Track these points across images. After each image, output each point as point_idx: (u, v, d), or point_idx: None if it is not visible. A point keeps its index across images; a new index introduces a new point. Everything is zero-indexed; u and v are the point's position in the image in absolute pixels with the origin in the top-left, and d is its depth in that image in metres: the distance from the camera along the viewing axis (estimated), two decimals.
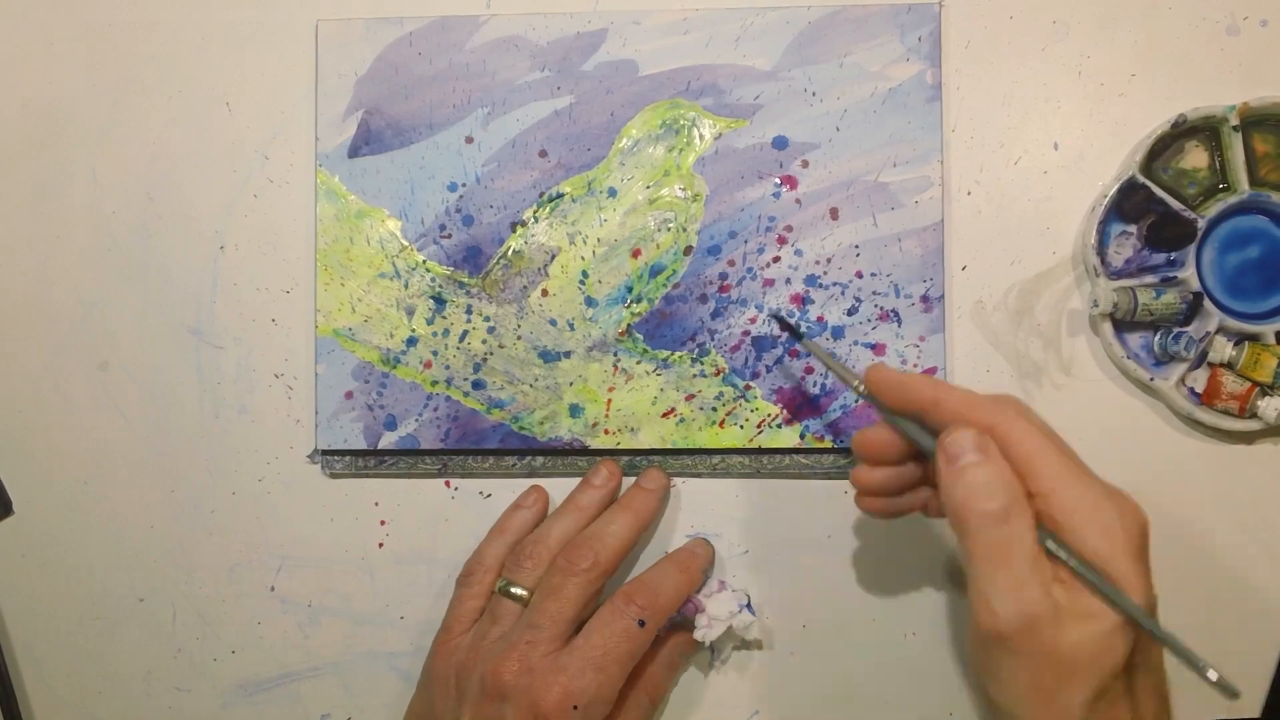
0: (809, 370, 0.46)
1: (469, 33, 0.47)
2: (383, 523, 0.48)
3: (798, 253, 0.46)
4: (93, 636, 0.49)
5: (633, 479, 0.47)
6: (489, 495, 0.48)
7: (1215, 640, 0.46)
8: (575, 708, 0.40)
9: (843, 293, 0.46)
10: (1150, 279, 0.46)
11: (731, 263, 0.46)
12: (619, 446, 0.47)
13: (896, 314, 0.46)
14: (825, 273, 0.46)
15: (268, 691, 0.49)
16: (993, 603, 0.34)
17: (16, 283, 0.49)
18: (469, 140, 0.47)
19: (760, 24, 0.46)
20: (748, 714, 0.48)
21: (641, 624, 0.42)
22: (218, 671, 0.49)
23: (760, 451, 0.47)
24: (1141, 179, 0.45)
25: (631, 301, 0.47)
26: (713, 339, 0.46)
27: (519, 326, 0.47)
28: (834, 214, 0.46)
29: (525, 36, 0.47)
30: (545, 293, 0.47)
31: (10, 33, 0.49)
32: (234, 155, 0.48)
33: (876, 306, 0.46)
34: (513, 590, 0.44)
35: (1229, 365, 0.45)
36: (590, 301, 0.47)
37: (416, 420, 0.47)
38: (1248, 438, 0.46)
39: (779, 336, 0.46)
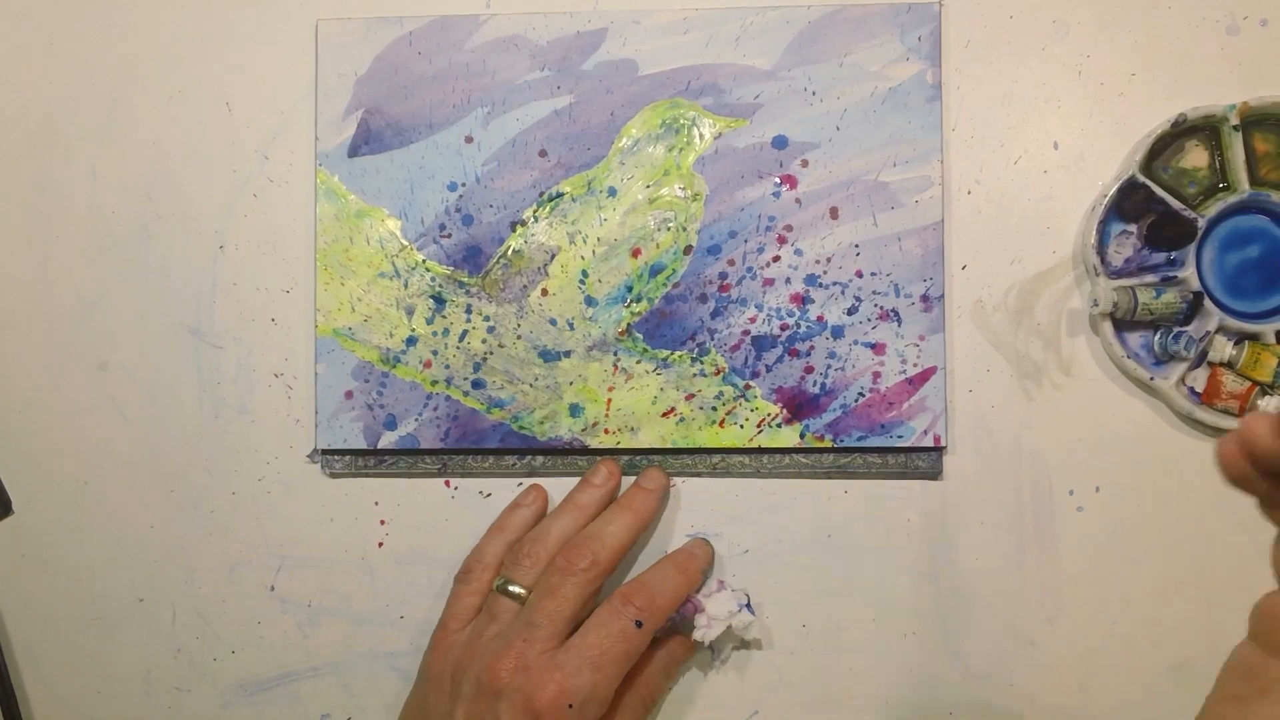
0: (809, 370, 0.46)
1: (469, 32, 0.47)
2: (383, 522, 0.48)
3: (798, 252, 0.46)
4: (93, 636, 0.49)
5: (632, 478, 0.47)
6: (489, 495, 0.48)
7: (1215, 640, 0.46)
8: (570, 706, 0.40)
9: (843, 292, 0.46)
10: (1150, 278, 0.46)
11: (731, 262, 0.46)
12: (619, 446, 0.47)
13: (896, 313, 0.46)
14: (825, 272, 0.46)
15: (268, 691, 0.49)
16: None
17: (16, 282, 0.49)
18: (469, 140, 0.47)
19: (760, 23, 0.46)
20: (748, 714, 0.48)
21: (639, 624, 0.42)
22: (218, 671, 0.49)
23: (760, 451, 0.47)
24: (1141, 178, 0.45)
25: (631, 301, 0.47)
26: (713, 338, 0.46)
27: (519, 326, 0.47)
28: (834, 213, 0.46)
29: (525, 36, 0.47)
30: (545, 292, 0.47)
31: (10, 33, 0.49)
32: (234, 155, 0.48)
33: (876, 306, 0.46)
34: (511, 588, 0.44)
35: (1229, 365, 0.45)
36: (590, 301, 0.47)
37: (416, 420, 0.47)
38: None
39: (778, 336, 0.46)
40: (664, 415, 0.47)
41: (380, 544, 0.48)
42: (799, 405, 0.46)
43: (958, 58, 0.47)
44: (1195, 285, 0.45)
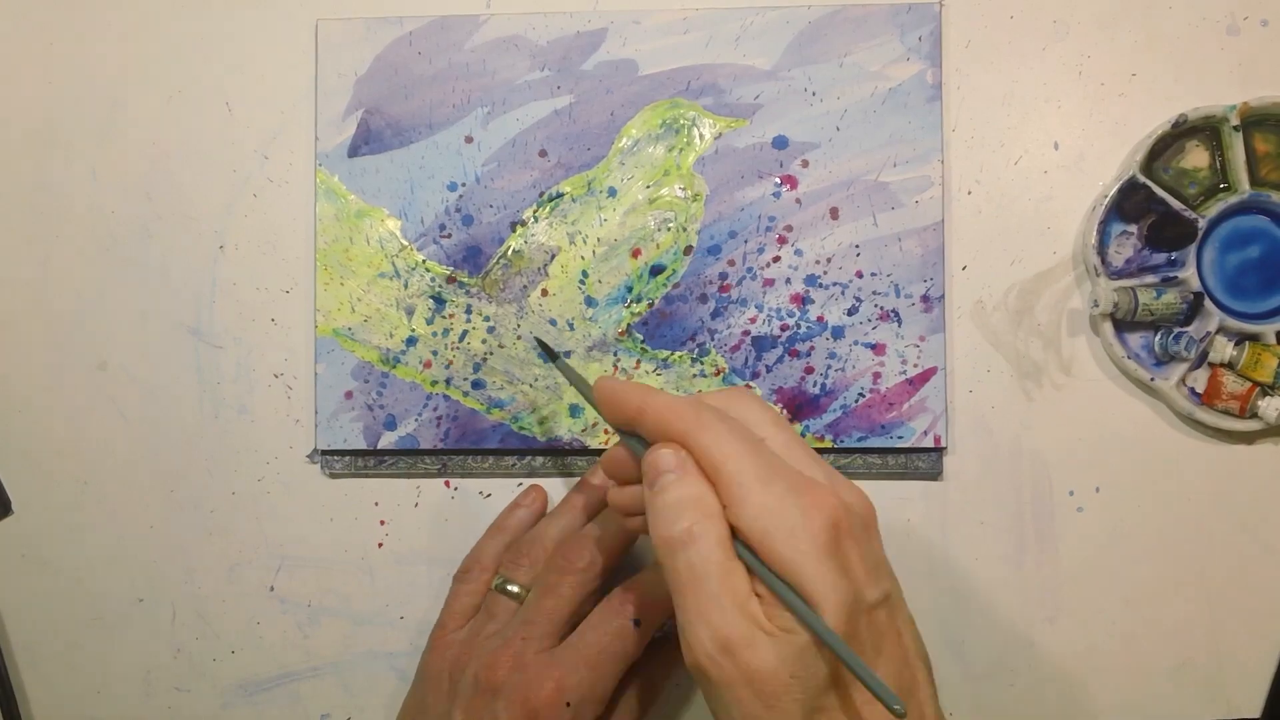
0: (809, 370, 0.46)
1: (469, 32, 0.47)
2: (383, 523, 0.48)
3: (798, 252, 0.46)
4: (93, 636, 0.49)
5: None
6: (489, 495, 0.48)
7: (1215, 640, 0.46)
8: (568, 704, 0.40)
9: (843, 292, 0.46)
10: (1151, 279, 0.46)
11: (731, 262, 0.46)
12: None
13: (897, 314, 0.46)
14: (825, 272, 0.46)
15: (267, 691, 0.49)
16: (685, 633, 0.32)
17: (16, 282, 0.49)
18: (469, 140, 0.47)
19: (760, 23, 0.46)
20: None
21: (637, 623, 0.42)
22: (217, 671, 0.49)
23: None
24: (1142, 179, 0.45)
25: (631, 301, 0.47)
26: (713, 339, 0.46)
27: (519, 326, 0.47)
28: (834, 214, 0.46)
29: (525, 36, 0.47)
30: (545, 292, 0.47)
31: (10, 33, 0.49)
32: (234, 155, 0.48)
33: (877, 306, 0.46)
34: (509, 588, 0.44)
35: (1229, 365, 0.45)
36: (590, 301, 0.47)
37: (416, 420, 0.47)
38: (1248, 438, 0.46)
39: (778, 336, 0.46)
40: None
41: (380, 544, 0.48)
42: (799, 406, 0.46)
43: (958, 58, 0.47)
44: (1196, 286, 0.45)
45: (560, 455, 0.47)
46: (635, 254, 0.47)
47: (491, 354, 0.47)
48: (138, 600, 0.49)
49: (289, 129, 0.48)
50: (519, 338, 0.47)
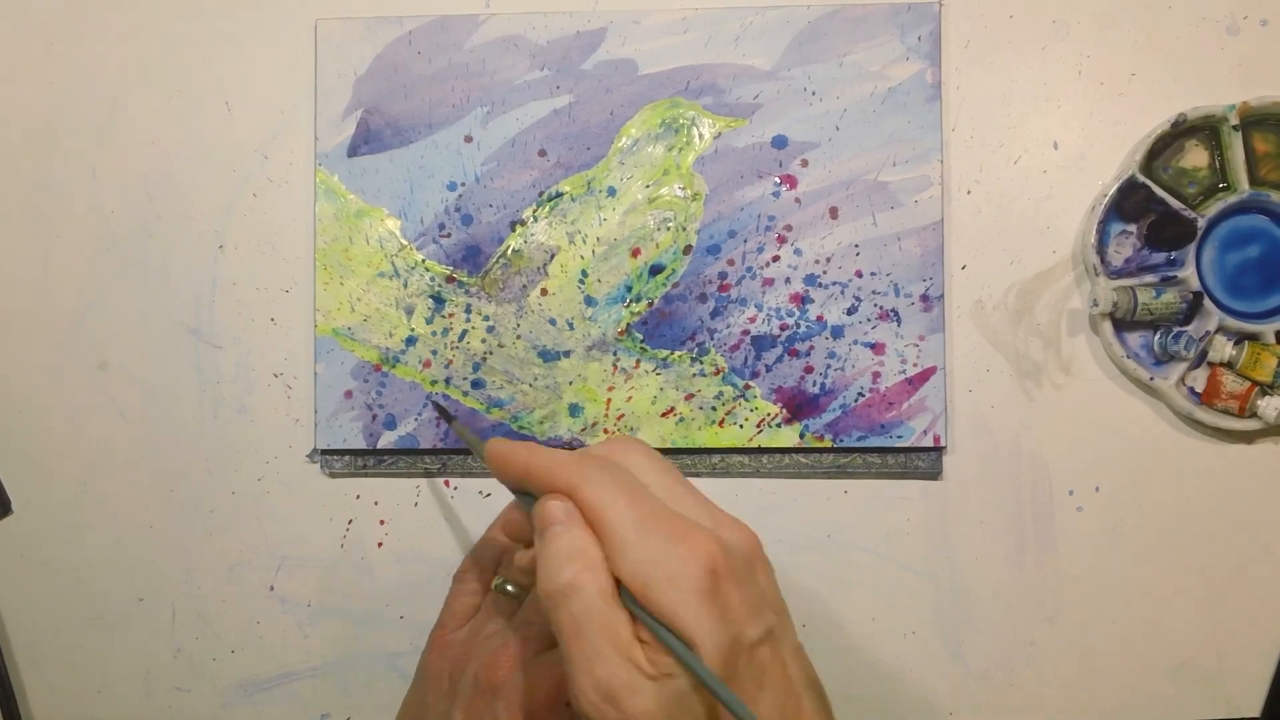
0: (809, 369, 0.46)
1: (468, 32, 0.47)
2: (382, 522, 0.48)
3: (797, 252, 0.46)
4: (93, 636, 0.49)
5: None
6: (489, 495, 0.48)
7: (1215, 640, 0.46)
8: (567, 704, 0.40)
9: (842, 292, 0.46)
10: (1150, 278, 0.46)
11: (731, 262, 0.46)
12: None
13: (896, 313, 0.46)
14: (825, 272, 0.46)
15: (267, 691, 0.49)
16: (572, 684, 0.32)
17: (16, 282, 0.49)
18: (468, 139, 0.47)
19: (760, 23, 0.46)
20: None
21: None
22: (217, 671, 0.49)
23: (760, 451, 0.47)
24: (1141, 178, 0.45)
25: (631, 301, 0.47)
26: (712, 338, 0.46)
27: (518, 326, 0.47)
28: (833, 213, 0.46)
29: (525, 36, 0.47)
30: (545, 292, 0.47)
31: (10, 33, 0.49)
32: (234, 155, 0.48)
33: (876, 306, 0.46)
34: (509, 588, 0.44)
35: (1229, 365, 0.45)
36: (590, 301, 0.47)
37: (416, 420, 0.47)
38: (1248, 437, 0.46)
39: (778, 336, 0.46)
40: (663, 415, 0.47)
41: (380, 544, 0.48)
42: (799, 405, 0.46)
43: (958, 58, 0.47)
44: (1195, 285, 0.45)
45: None
46: (635, 253, 0.47)
47: (491, 353, 0.47)
48: (138, 600, 0.49)
49: (289, 129, 0.48)
50: (518, 337, 0.47)
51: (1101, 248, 0.45)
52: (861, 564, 0.47)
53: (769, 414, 0.46)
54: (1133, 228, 0.46)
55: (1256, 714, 0.46)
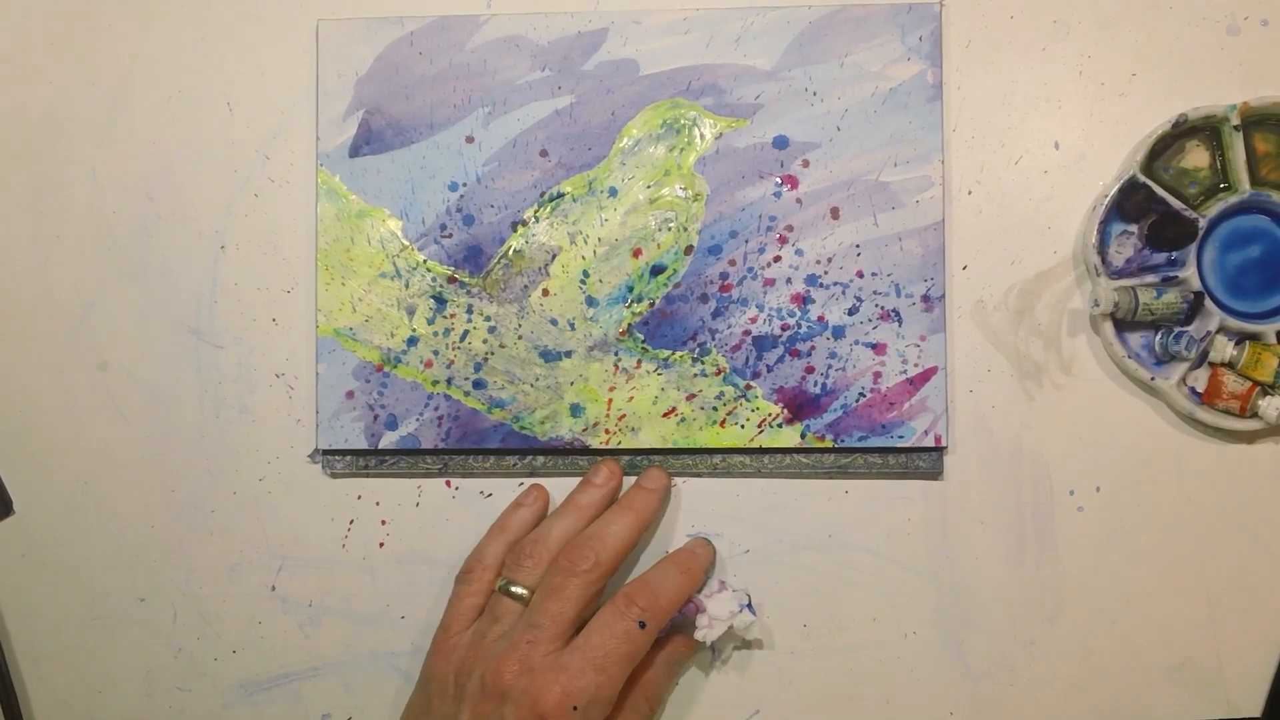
0: (809, 370, 0.46)
1: (469, 32, 0.47)
2: (383, 523, 0.48)
3: (798, 252, 0.46)
4: (93, 636, 0.49)
5: (633, 478, 0.47)
6: (490, 495, 0.48)
7: (1215, 640, 0.46)
8: (575, 708, 0.40)
9: (843, 292, 0.46)
10: (1151, 278, 0.46)
11: (732, 262, 0.46)
12: (620, 446, 0.47)
13: (897, 313, 0.46)
14: (826, 272, 0.46)
15: (268, 691, 0.49)
16: None
17: (16, 283, 0.49)
18: (470, 140, 0.47)
19: (761, 24, 0.46)
20: (748, 714, 0.48)
21: (642, 625, 0.42)
22: (218, 671, 0.49)
23: (761, 451, 0.47)
24: (1142, 178, 0.45)
25: (632, 301, 0.47)
26: (713, 338, 0.46)
27: (520, 326, 0.47)
28: (835, 213, 0.46)
29: (526, 36, 0.47)
30: (546, 292, 0.47)
31: (10, 32, 0.49)
32: (234, 155, 0.48)
33: (877, 306, 0.46)
34: (513, 589, 0.44)
35: (1230, 365, 0.45)
36: (591, 301, 0.47)
37: (417, 420, 0.47)
38: (1248, 437, 0.46)
39: (779, 336, 0.46)
40: (665, 415, 0.47)
41: (381, 544, 0.48)
42: (800, 405, 0.46)
43: (958, 58, 0.47)
44: (1196, 285, 0.45)
45: (561, 455, 0.47)
46: (636, 254, 0.47)
47: (492, 354, 0.47)
48: (139, 600, 0.49)
49: (290, 129, 0.48)
50: (520, 337, 0.47)
51: (1102, 248, 0.45)
52: (862, 564, 0.47)
53: (770, 414, 0.46)
54: (1134, 228, 0.46)
55: (1256, 714, 0.47)
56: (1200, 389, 0.46)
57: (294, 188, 0.48)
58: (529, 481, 0.48)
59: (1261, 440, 0.46)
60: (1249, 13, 0.46)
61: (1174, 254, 0.45)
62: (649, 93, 0.47)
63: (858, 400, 0.46)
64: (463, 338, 0.47)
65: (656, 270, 0.47)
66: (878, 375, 0.46)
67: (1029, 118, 0.47)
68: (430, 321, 0.47)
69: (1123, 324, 0.46)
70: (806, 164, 0.46)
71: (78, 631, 0.49)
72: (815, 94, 0.46)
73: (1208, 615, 0.47)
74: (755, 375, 0.46)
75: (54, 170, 0.49)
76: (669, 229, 0.47)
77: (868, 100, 0.46)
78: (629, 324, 0.47)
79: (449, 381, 0.47)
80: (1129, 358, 0.45)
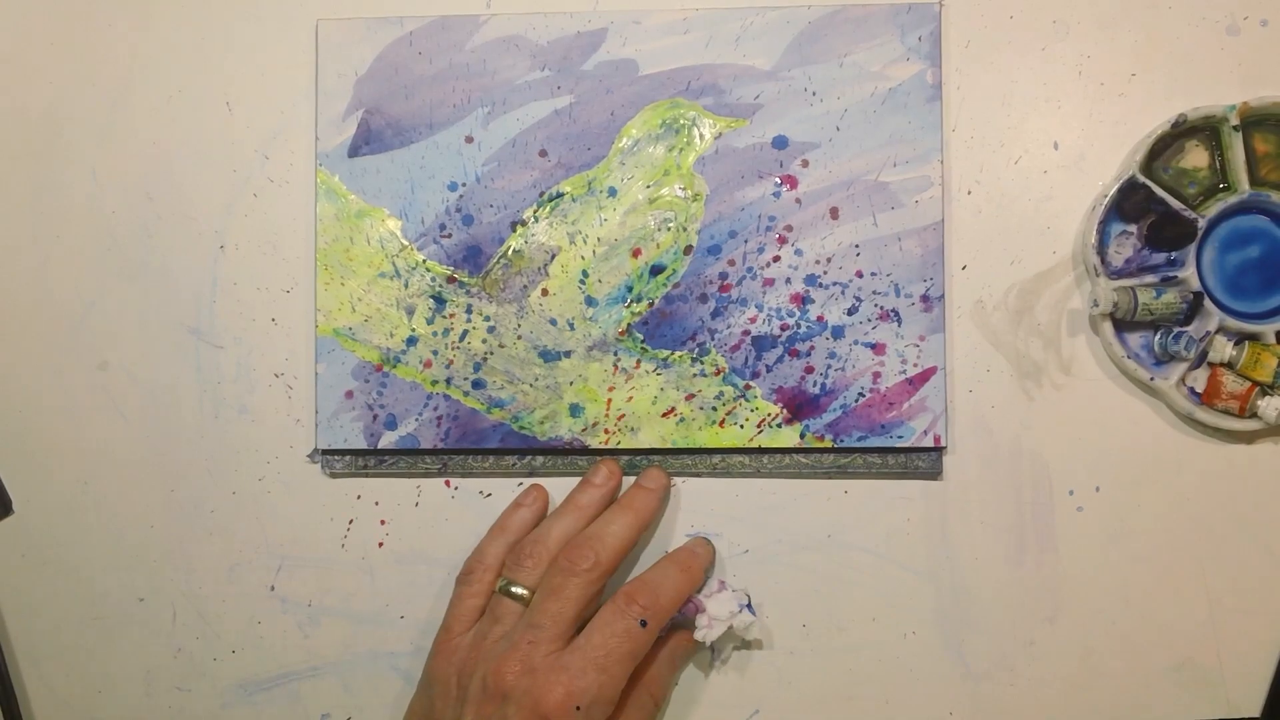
0: (809, 370, 0.46)
1: (469, 32, 0.47)
2: (383, 522, 0.48)
3: (798, 252, 0.46)
4: (93, 636, 0.49)
5: (633, 478, 0.47)
6: (489, 495, 0.48)
7: (1215, 640, 0.46)
8: (578, 708, 0.40)
9: (843, 292, 0.46)
10: (1150, 279, 0.46)
11: (732, 262, 0.46)
12: (619, 446, 0.47)
13: (897, 313, 0.46)
14: (825, 272, 0.46)
15: (268, 691, 0.49)
16: None
17: (16, 283, 0.49)
18: (469, 140, 0.47)
19: (760, 24, 0.46)
20: (748, 714, 0.48)
21: (643, 624, 0.42)
22: (218, 671, 0.49)
23: (760, 451, 0.47)
24: (1142, 179, 0.45)
25: (632, 301, 0.47)
26: (713, 338, 0.46)
27: (519, 326, 0.47)
28: (834, 213, 0.46)
29: (525, 36, 0.47)
30: (545, 292, 0.47)
31: (10, 32, 0.49)
32: (234, 155, 0.48)
33: (877, 306, 0.46)
34: (513, 590, 0.44)
35: (1229, 365, 0.45)
36: (590, 301, 0.47)
37: (416, 420, 0.47)
38: (1248, 437, 0.46)
39: (778, 336, 0.46)
40: (664, 415, 0.47)
41: (380, 544, 0.48)
42: (799, 405, 0.46)
43: (958, 58, 0.47)
44: (1195, 285, 0.45)
45: (561, 455, 0.47)
46: (635, 254, 0.47)
47: (492, 354, 0.47)
48: (138, 600, 0.49)
49: (289, 129, 0.48)
50: (519, 337, 0.47)
51: (1102, 248, 0.45)
52: (861, 564, 0.47)
53: (769, 414, 0.46)
54: (1133, 228, 0.46)
55: (1256, 714, 0.46)
56: (1199, 389, 0.46)
57: (293, 187, 0.48)
58: (528, 481, 0.48)
59: (1261, 440, 0.46)
60: (1249, 13, 0.46)
61: (1173, 254, 0.45)
62: (648, 93, 0.47)
63: (857, 400, 0.46)
64: (462, 337, 0.47)
65: (656, 270, 0.47)
66: (877, 375, 0.46)
67: (1028, 118, 0.47)
68: (429, 321, 0.47)
69: (1122, 324, 0.46)
70: (806, 164, 0.46)
71: (78, 631, 0.49)
72: (815, 94, 0.46)
73: (1208, 615, 0.46)
74: (754, 375, 0.46)
75: (54, 170, 0.49)
76: (668, 229, 0.47)
77: (867, 100, 0.46)
78: (628, 324, 0.47)
79: (448, 381, 0.47)
80: (1128, 358, 0.45)
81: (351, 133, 0.47)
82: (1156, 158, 0.46)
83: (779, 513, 0.47)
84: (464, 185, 0.47)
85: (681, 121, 0.47)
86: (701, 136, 0.47)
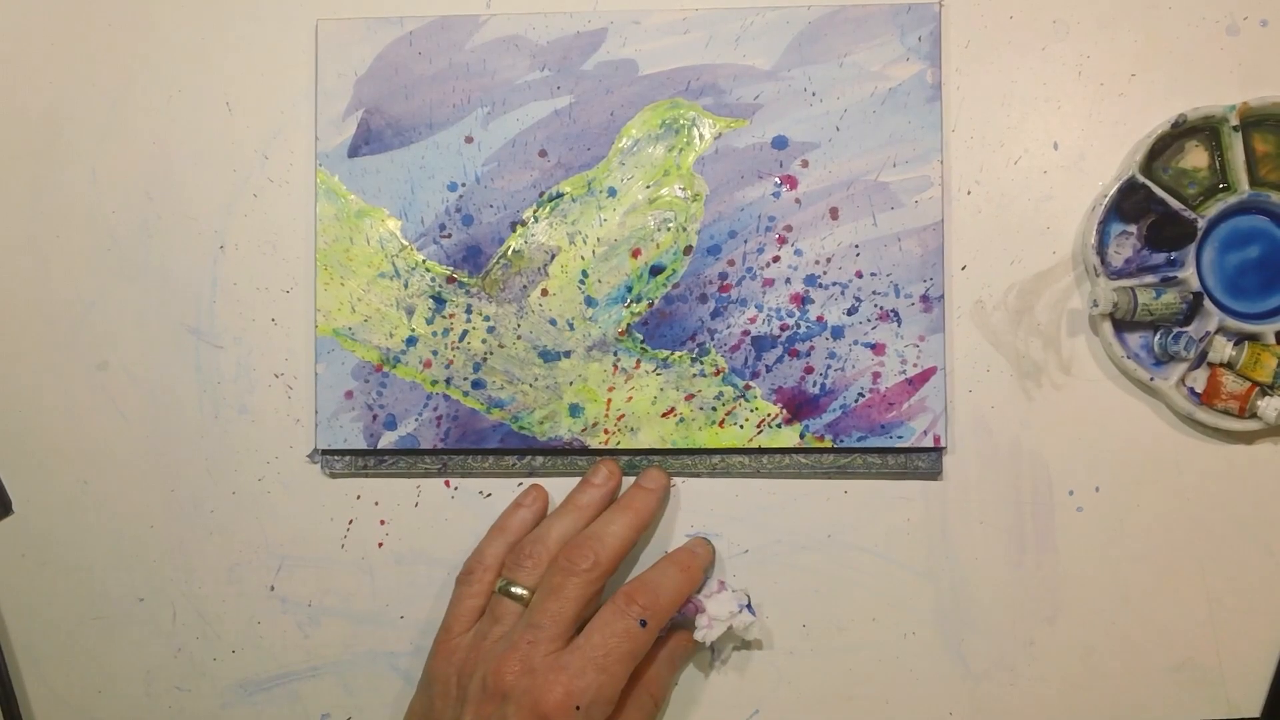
0: (809, 370, 0.46)
1: (469, 32, 0.47)
2: (383, 522, 0.48)
3: (798, 252, 0.46)
4: (93, 636, 0.49)
5: (633, 478, 0.47)
6: (489, 495, 0.48)
7: (1215, 640, 0.46)
8: (578, 708, 0.40)
9: (843, 292, 0.46)
10: (1150, 279, 0.46)
11: (731, 262, 0.46)
12: (619, 446, 0.47)
13: (896, 314, 0.46)
14: (825, 272, 0.46)
15: (268, 691, 0.49)
16: None
17: (16, 283, 0.49)
18: (469, 140, 0.47)
19: (760, 24, 0.46)
20: (748, 714, 0.48)
21: (643, 624, 0.42)
22: (218, 671, 0.49)
23: (760, 451, 0.47)
24: (1141, 179, 0.45)
25: (631, 301, 0.47)
26: (712, 339, 0.46)
27: (519, 326, 0.47)
28: (834, 214, 0.46)
29: (525, 36, 0.47)
30: (545, 292, 0.47)
31: (10, 33, 0.49)
32: (234, 155, 0.48)
33: (876, 306, 0.46)
34: (513, 590, 0.44)
35: (1229, 365, 0.45)
36: (590, 301, 0.47)
37: (416, 420, 0.47)
38: (1248, 438, 0.46)
39: (778, 336, 0.46)
40: (664, 415, 0.47)
41: (380, 544, 0.48)
42: (799, 405, 0.46)
43: (958, 58, 0.47)
44: (1195, 286, 0.45)
45: (560, 455, 0.47)
46: (635, 254, 0.47)
47: (491, 354, 0.47)
48: (138, 600, 0.49)
49: (289, 129, 0.48)
50: (519, 337, 0.47)
51: (1101, 248, 0.45)
52: (861, 564, 0.47)
53: (769, 414, 0.46)
54: (1133, 228, 0.46)
55: (1256, 714, 0.46)
56: (1199, 389, 0.46)
57: (293, 188, 0.48)
58: (528, 481, 0.48)
59: (1261, 440, 0.46)
60: (1249, 13, 0.46)
61: (1173, 254, 0.45)
62: (648, 93, 0.47)
63: (857, 400, 0.46)
64: (462, 338, 0.47)
65: (655, 270, 0.47)
66: (877, 375, 0.46)
67: (1028, 118, 0.47)
68: (429, 321, 0.47)
69: (1122, 324, 0.46)
70: (806, 164, 0.46)
71: (78, 631, 0.49)
72: (814, 94, 0.46)
73: (1208, 615, 0.46)
74: (754, 375, 0.46)
75: (54, 170, 0.49)
76: (668, 229, 0.47)
77: (867, 100, 0.46)
78: (628, 324, 0.47)
79: (448, 381, 0.47)
80: (1128, 358, 0.45)
81: (351, 133, 0.47)
82: (1156, 158, 0.46)
83: (779, 513, 0.47)
84: (464, 185, 0.47)
85: (681, 121, 0.47)
86: (701, 136, 0.47)
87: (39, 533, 0.49)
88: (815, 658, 0.47)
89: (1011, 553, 0.47)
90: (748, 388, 0.46)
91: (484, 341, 0.47)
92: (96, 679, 0.49)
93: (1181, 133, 0.45)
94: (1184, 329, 0.45)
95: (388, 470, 0.48)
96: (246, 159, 0.48)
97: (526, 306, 0.47)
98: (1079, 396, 0.47)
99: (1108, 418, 0.47)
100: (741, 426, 0.46)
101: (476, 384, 0.47)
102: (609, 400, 0.47)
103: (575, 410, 0.47)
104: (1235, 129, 0.45)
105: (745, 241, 0.46)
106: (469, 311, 0.47)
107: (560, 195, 0.47)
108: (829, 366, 0.46)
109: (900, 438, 0.46)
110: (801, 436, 0.46)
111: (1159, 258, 0.46)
